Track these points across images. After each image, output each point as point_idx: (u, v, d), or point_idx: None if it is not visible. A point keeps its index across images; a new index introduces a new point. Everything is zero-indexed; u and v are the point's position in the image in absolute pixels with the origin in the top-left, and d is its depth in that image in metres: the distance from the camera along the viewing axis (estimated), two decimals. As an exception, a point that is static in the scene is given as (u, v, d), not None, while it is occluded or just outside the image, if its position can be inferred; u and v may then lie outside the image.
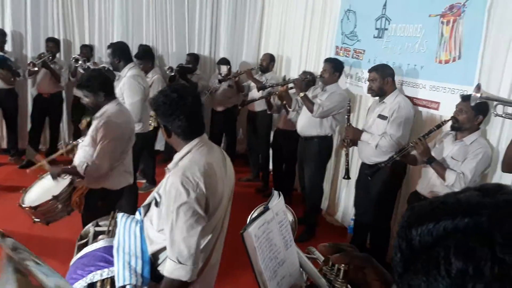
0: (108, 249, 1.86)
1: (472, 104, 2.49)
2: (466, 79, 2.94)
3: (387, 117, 3.32)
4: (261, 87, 4.73)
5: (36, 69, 5.11)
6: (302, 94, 3.93)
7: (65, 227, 3.79)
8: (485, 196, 0.43)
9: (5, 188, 4.71)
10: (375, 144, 3.33)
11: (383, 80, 3.34)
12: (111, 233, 2.05)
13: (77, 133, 5.33)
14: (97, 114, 2.81)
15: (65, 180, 2.78)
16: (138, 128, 3.68)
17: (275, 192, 0.88)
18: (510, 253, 0.37)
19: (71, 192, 2.75)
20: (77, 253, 2.00)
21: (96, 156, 2.70)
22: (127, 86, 3.75)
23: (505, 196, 0.42)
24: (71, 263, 1.92)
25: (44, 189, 2.80)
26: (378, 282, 0.76)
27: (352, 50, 4.26)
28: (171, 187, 1.66)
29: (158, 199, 1.78)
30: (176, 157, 1.81)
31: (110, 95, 2.86)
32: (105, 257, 1.82)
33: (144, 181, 4.86)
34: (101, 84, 2.80)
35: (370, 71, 3.44)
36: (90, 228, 2.19)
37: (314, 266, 0.89)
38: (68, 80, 5.54)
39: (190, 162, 1.73)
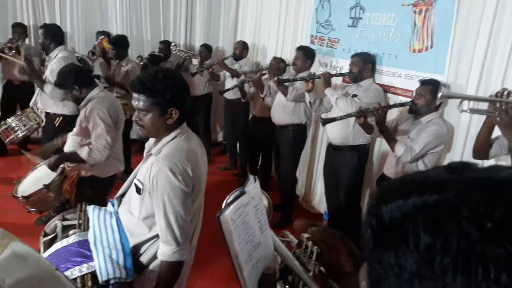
0: (83, 243, 1.81)
1: (437, 103, 2.69)
2: (437, 68, 3.01)
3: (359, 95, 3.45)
4: (235, 74, 4.73)
5: (12, 52, 4.94)
6: (275, 79, 3.95)
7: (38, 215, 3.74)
8: (453, 173, 0.45)
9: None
10: (335, 98, 3.44)
11: (364, 65, 3.47)
12: (82, 227, 1.97)
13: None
14: (81, 104, 2.84)
15: (57, 170, 2.79)
16: (69, 110, 3.74)
17: (251, 177, 0.90)
18: (476, 228, 0.38)
19: (63, 181, 2.76)
20: (45, 250, 1.91)
21: (97, 144, 2.71)
22: (56, 67, 3.66)
23: (471, 174, 0.44)
24: None
25: (36, 179, 2.80)
26: (350, 263, 0.78)
27: (326, 39, 4.30)
28: (158, 174, 1.65)
29: (141, 186, 1.76)
30: (160, 144, 1.77)
31: (88, 85, 2.87)
32: (82, 252, 1.76)
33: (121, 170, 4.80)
34: (74, 79, 2.83)
35: (353, 56, 3.57)
36: (57, 222, 2.07)
37: (288, 249, 0.91)
38: (39, 68, 5.38)
39: (176, 149, 1.72)
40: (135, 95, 1.72)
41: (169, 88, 1.70)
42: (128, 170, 4.86)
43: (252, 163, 5.14)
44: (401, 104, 2.98)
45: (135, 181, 1.82)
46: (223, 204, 1.24)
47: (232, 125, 5.40)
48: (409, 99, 3.25)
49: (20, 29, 5.09)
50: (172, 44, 5.59)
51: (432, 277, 0.38)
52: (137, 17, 6.01)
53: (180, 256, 1.71)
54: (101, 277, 1.68)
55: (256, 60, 5.64)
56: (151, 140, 1.89)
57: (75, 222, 2.03)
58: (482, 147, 2.43)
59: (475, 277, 0.36)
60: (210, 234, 2.19)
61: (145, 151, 1.91)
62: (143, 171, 1.79)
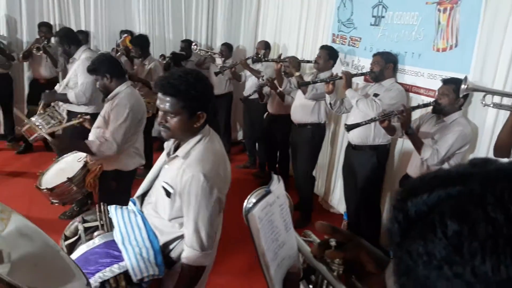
0: (110, 244, 1.80)
1: (461, 95, 2.62)
2: (462, 67, 2.96)
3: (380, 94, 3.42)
4: (257, 76, 4.77)
5: (40, 53, 5.07)
6: (297, 73, 3.93)
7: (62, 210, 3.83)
8: (475, 167, 0.47)
9: (4, 173, 4.73)
10: (356, 100, 3.41)
11: (385, 64, 3.45)
12: (105, 227, 1.95)
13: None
14: (108, 97, 2.88)
15: (80, 163, 2.86)
16: (92, 109, 3.85)
17: (275, 176, 0.90)
18: (501, 212, 0.40)
19: (85, 174, 2.82)
20: (68, 254, 1.87)
21: (109, 136, 2.75)
22: (82, 68, 3.78)
23: (494, 166, 0.46)
24: None
25: (60, 171, 2.87)
26: (373, 264, 0.79)
27: (348, 37, 4.27)
28: (192, 179, 1.65)
29: (171, 190, 1.74)
30: (187, 146, 1.76)
31: (118, 78, 2.90)
32: (110, 253, 1.75)
33: (141, 167, 4.87)
34: (108, 67, 2.87)
35: (375, 55, 3.54)
36: (78, 225, 2.03)
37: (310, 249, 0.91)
38: (64, 66, 5.51)
39: (206, 153, 1.72)
40: (163, 97, 1.68)
41: (200, 92, 1.68)
42: (149, 167, 4.97)
43: (270, 161, 5.15)
44: (425, 105, 2.95)
45: (163, 184, 1.80)
46: (245, 203, 1.26)
47: (251, 124, 5.42)
48: (432, 99, 3.22)
49: (45, 29, 5.22)
50: (193, 44, 5.64)
51: (461, 262, 0.40)
52: (160, 16, 6.08)
53: (203, 261, 1.73)
54: (135, 276, 1.68)
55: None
56: (171, 141, 1.88)
57: (96, 223, 2.01)
58: (505, 144, 2.38)
59: (503, 258, 0.39)
60: (227, 233, 2.23)
61: (165, 151, 1.90)
62: (172, 175, 1.77)
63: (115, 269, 1.69)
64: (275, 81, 4.36)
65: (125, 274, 1.70)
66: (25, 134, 3.77)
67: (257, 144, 5.56)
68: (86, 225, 2.02)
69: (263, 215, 0.77)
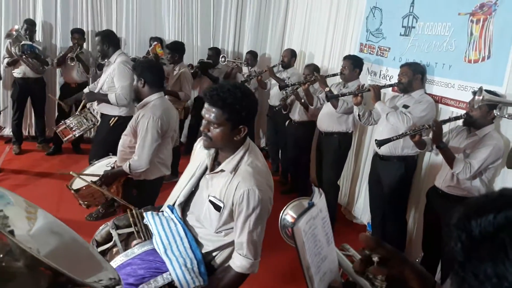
0: (150, 254, 1.81)
1: (475, 106, 2.60)
2: (495, 79, 2.91)
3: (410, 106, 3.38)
4: (283, 86, 4.77)
5: (73, 63, 5.24)
6: (327, 89, 3.94)
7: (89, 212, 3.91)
8: None
9: (33, 174, 4.87)
10: (386, 114, 3.37)
11: (414, 75, 3.42)
12: (142, 235, 1.94)
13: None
14: (139, 105, 2.90)
15: (107, 168, 2.93)
16: (124, 111, 3.92)
17: (316, 189, 0.92)
18: None
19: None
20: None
21: (136, 152, 2.78)
22: (118, 71, 3.86)
23: None
24: None
25: (92, 174, 2.93)
26: (417, 281, 0.78)
27: (376, 47, 4.24)
28: (249, 193, 1.68)
29: (220, 205, 1.77)
30: (233, 161, 1.78)
31: (151, 86, 2.87)
32: (152, 264, 1.77)
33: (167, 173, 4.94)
34: (145, 73, 2.85)
35: (402, 66, 3.52)
36: (111, 231, 2.00)
37: (350, 264, 0.92)
38: (95, 72, 5.66)
39: (255, 167, 1.75)
40: (209, 107, 1.71)
41: (245, 107, 1.71)
42: (176, 173, 5.05)
43: (293, 169, 5.15)
44: (456, 118, 2.90)
45: (211, 198, 1.81)
46: (281, 214, 1.27)
47: (275, 131, 5.43)
48: (462, 111, 3.17)
49: (78, 35, 5.36)
50: (221, 56, 5.68)
51: None
52: (189, 23, 6.19)
53: (254, 270, 1.78)
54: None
55: (303, 68, 5.65)
56: (211, 152, 1.90)
57: (130, 230, 1.99)
58: None
59: None
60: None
61: (198, 161, 1.95)
62: (219, 189, 1.79)
63: (160, 279, 1.72)
64: (304, 99, 4.40)
65: (170, 285, 1.74)
66: (60, 134, 3.89)
67: (280, 151, 5.56)
68: (120, 231, 1.99)
69: (307, 229, 0.78)
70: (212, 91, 1.70)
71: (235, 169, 1.76)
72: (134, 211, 2.05)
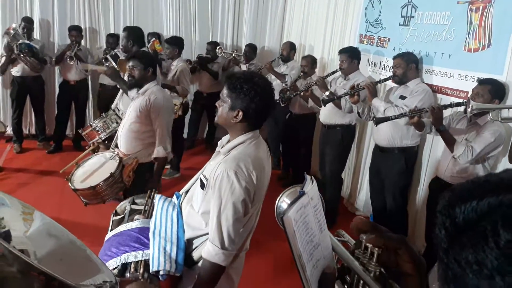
0: (144, 231, 1.87)
1: (468, 116, 2.62)
2: (495, 67, 2.89)
3: (407, 97, 3.38)
4: (282, 80, 4.75)
5: (72, 62, 5.23)
6: (327, 93, 3.93)
7: (92, 213, 3.92)
8: None
9: (34, 172, 4.88)
10: (383, 109, 3.38)
11: (407, 66, 3.41)
12: (147, 214, 2.05)
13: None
14: (140, 91, 3.01)
15: (113, 160, 2.97)
16: None
17: (308, 177, 0.90)
18: None
19: (122, 170, 2.93)
20: (112, 228, 2.02)
21: (158, 139, 2.97)
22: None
23: None
24: (106, 238, 1.94)
25: (91, 172, 2.95)
26: (411, 264, 0.77)
27: (376, 38, 4.21)
28: (223, 174, 1.67)
29: (205, 182, 1.79)
30: (230, 144, 1.81)
31: (153, 76, 3.06)
32: (140, 239, 1.82)
33: (168, 166, 4.95)
34: (152, 62, 3.06)
35: (395, 58, 3.52)
36: (127, 205, 2.18)
37: (345, 249, 0.90)
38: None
39: (244, 154, 1.74)
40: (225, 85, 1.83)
41: (247, 91, 1.73)
42: (177, 168, 5.06)
43: (293, 161, 5.14)
44: (457, 104, 2.87)
45: (201, 176, 1.86)
46: (277, 202, 1.26)
47: (275, 125, 5.40)
48: (462, 100, 3.15)
49: (76, 32, 5.35)
50: (218, 47, 5.67)
51: None
52: (187, 18, 6.17)
53: (221, 260, 1.71)
54: (152, 267, 1.72)
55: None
56: (225, 139, 1.91)
57: (142, 207, 2.13)
58: None
59: None
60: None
61: (217, 148, 1.93)
62: (210, 168, 1.82)
63: (139, 255, 1.76)
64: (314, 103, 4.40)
65: (146, 262, 1.75)
66: (86, 137, 3.84)
67: (281, 146, 5.54)
68: (134, 206, 2.17)
69: (298, 217, 0.77)
70: (236, 73, 1.85)
71: (229, 153, 1.78)
72: (153, 193, 2.19)
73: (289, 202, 1.21)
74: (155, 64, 3.10)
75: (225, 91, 1.79)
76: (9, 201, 1.01)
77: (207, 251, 1.73)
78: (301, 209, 0.79)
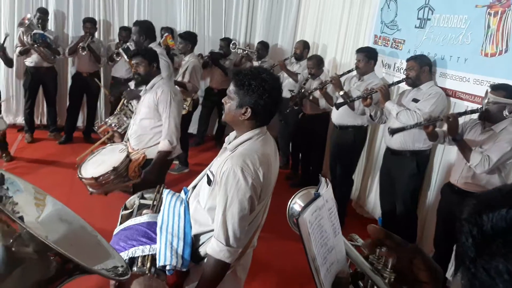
0: (151, 225, 1.88)
1: (483, 109, 2.57)
2: (512, 73, 2.83)
3: (420, 100, 3.35)
4: (295, 79, 4.74)
5: (84, 53, 5.26)
6: (342, 93, 3.90)
7: (101, 206, 3.95)
8: None
9: (45, 162, 4.92)
10: (396, 113, 3.36)
11: (421, 68, 3.38)
12: (155, 208, 2.05)
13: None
14: (147, 87, 3.03)
15: (122, 153, 2.97)
16: None
17: (323, 179, 0.89)
18: None
19: (128, 164, 2.94)
20: (121, 223, 2.03)
21: (165, 131, 2.98)
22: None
23: None
24: (115, 232, 1.95)
25: (99, 162, 2.97)
26: (427, 272, 0.77)
27: (391, 39, 4.17)
28: (230, 170, 1.66)
29: (212, 178, 1.78)
30: (237, 141, 1.79)
31: (158, 70, 3.11)
32: (148, 233, 1.83)
33: (176, 162, 4.96)
34: (155, 57, 3.08)
35: (408, 60, 3.49)
36: (136, 199, 2.20)
37: (359, 254, 0.89)
38: (107, 62, 5.68)
39: (251, 150, 1.72)
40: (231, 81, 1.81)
41: (255, 87, 1.71)
42: (185, 163, 5.06)
43: (304, 162, 5.12)
44: (472, 111, 2.83)
45: (208, 172, 1.85)
46: (289, 203, 1.25)
47: (286, 124, 5.38)
48: (477, 105, 3.10)
49: (90, 24, 5.38)
50: (232, 43, 5.67)
51: None
52: (200, 14, 6.16)
53: (226, 257, 1.70)
54: (159, 262, 1.73)
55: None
56: (232, 135, 1.90)
57: (151, 202, 2.14)
58: None
59: None
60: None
61: (225, 144, 1.92)
62: (217, 164, 1.81)
63: (146, 250, 1.78)
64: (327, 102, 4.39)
65: (153, 256, 1.77)
66: (102, 134, 3.85)
67: (290, 145, 5.52)
68: (143, 201, 2.18)
69: (313, 219, 0.76)
70: (243, 69, 1.82)
71: (236, 149, 1.77)
72: (161, 188, 2.20)
73: (302, 204, 1.20)
74: (158, 58, 3.11)
75: (232, 88, 1.77)
76: (23, 186, 1.03)
77: (212, 247, 1.72)
78: (316, 211, 0.77)
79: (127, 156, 2.95)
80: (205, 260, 1.81)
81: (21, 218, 1.00)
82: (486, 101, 2.39)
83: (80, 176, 2.86)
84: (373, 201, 4.34)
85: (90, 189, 2.92)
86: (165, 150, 2.98)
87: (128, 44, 5.22)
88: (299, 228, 0.72)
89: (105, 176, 2.80)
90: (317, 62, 4.60)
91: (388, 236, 0.77)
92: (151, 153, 3.01)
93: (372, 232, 0.78)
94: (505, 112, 2.37)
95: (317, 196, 0.81)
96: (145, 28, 3.99)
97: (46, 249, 0.83)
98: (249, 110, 1.73)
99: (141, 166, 2.95)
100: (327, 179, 0.93)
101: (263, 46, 5.71)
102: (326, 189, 0.86)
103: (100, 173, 2.80)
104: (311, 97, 4.47)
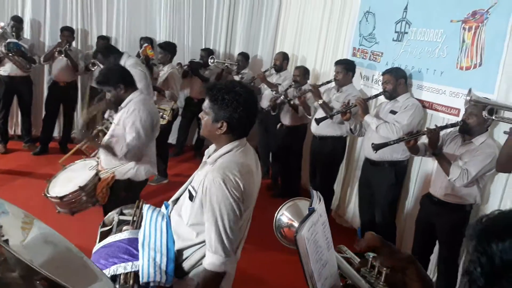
0: (132, 241, 1.85)
1: (465, 107, 2.63)
2: (487, 86, 2.92)
3: (398, 112, 3.42)
4: (275, 90, 4.79)
5: (61, 56, 5.15)
6: (320, 101, 3.95)
7: (77, 221, 3.84)
8: None
9: (20, 174, 4.77)
10: (375, 126, 3.43)
11: (397, 81, 3.47)
12: (136, 224, 2.02)
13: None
14: (122, 105, 2.83)
15: (91, 171, 2.83)
16: None
17: (314, 192, 0.89)
18: None
19: (96, 183, 2.79)
20: (100, 240, 1.99)
21: (130, 139, 2.73)
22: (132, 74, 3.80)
23: None
24: (94, 250, 1.92)
25: (68, 179, 2.84)
26: (419, 284, 0.77)
27: (369, 52, 4.26)
28: (212, 184, 1.67)
29: (194, 193, 1.78)
30: (216, 154, 1.79)
31: (131, 86, 2.86)
32: (129, 250, 1.80)
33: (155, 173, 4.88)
34: (119, 77, 2.82)
35: (384, 74, 3.57)
36: (114, 216, 2.15)
37: (350, 267, 0.90)
38: (84, 71, 5.58)
39: (231, 162, 1.73)
40: (207, 96, 1.80)
41: (229, 102, 1.71)
42: (164, 174, 5.00)
43: (284, 173, 5.13)
44: (453, 125, 2.89)
45: (189, 187, 1.85)
46: (276, 215, 1.25)
47: (266, 134, 5.39)
48: (453, 117, 3.18)
49: (68, 33, 5.30)
50: (210, 57, 5.65)
51: None
52: (180, 24, 6.14)
53: (227, 267, 1.72)
54: (142, 278, 1.71)
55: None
56: (211, 148, 1.90)
57: (130, 218, 2.10)
58: (508, 159, 2.36)
59: None
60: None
61: (204, 158, 1.92)
62: (198, 179, 1.81)
63: (128, 266, 1.75)
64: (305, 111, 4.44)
65: (136, 273, 1.74)
66: (86, 151, 3.71)
67: (271, 155, 5.53)
68: (122, 217, 2.14)
69: (310, 235, 0.76)
70: (217, 84, 1.81)
71: (215, 162, 1.78)
72: (140, 203, 2.16)
73: (289, 215, 1.20)
74: (123, 75, 2.85)
75: (207, 103, 1.77)
76: (9, 209, 1.00)
77: (212, 263, 1.72)
78: (312, 227, 0.78)
79: (96, 174, 2.82)
80: (191, 274, 1.80)
81: (6, 241, 0.97)
82: (468, 98, 2.45)
83: (46, 194, 2.74)
84: (353, 211, 4.38)
85: (58, 208, 2.82)
86: (115, 150, 2.77)
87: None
88: (297, 246, 0.72)
89: (71, 195, 2.69)
90: (304, 72, 4.68)
91: (385, 244, 0.78)
92: (120, 173, 2.84)
93: (369, 240, 0.78)
94: (484, 113, 2.43)
95: (312, 211, 0.81)
96: (105, 49, 4.01)
97: (32, 273, 0.81)
98: (224, 124, 1.74)
99: (110, 187, 2.80)
100: (318, 193, 0.93)
101: (244, 58, 5.73)
102: (319, 203, 0.86)
103: (66, 192, 2.69)
104: (292, 102, 4.50)
